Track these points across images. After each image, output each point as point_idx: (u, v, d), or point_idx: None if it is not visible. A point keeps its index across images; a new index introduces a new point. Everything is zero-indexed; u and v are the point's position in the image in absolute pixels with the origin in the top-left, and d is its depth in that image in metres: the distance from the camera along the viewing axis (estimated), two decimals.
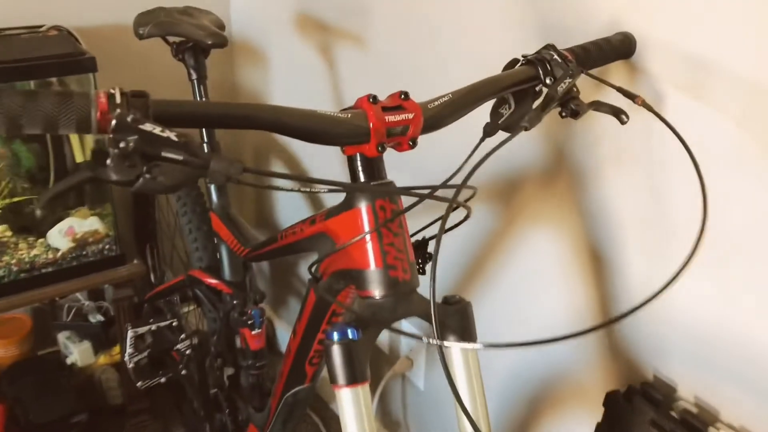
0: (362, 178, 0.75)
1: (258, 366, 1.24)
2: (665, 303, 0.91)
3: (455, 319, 0.77)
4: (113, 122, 0.53)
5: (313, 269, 0.84)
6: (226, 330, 1.29)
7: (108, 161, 0.54)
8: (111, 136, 0.53)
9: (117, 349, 1.70)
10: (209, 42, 1.14)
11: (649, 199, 0.91)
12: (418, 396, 1.51)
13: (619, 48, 0.85)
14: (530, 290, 1.14)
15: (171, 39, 1.26)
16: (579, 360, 1.08)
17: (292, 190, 0.64)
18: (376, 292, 0.73)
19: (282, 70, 1.71)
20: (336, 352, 0.69)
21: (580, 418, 1.09)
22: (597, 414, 0.96)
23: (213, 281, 1.30)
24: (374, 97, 0.69)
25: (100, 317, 1.76)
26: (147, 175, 0.55)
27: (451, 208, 0.67)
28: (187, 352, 1.21)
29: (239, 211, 2.02)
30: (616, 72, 0.89)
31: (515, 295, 1.17)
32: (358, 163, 0.74)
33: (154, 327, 1.17)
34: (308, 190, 0.66)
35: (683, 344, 0.92)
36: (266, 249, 1.05)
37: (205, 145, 1.28)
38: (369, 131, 0.67)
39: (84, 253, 1.47)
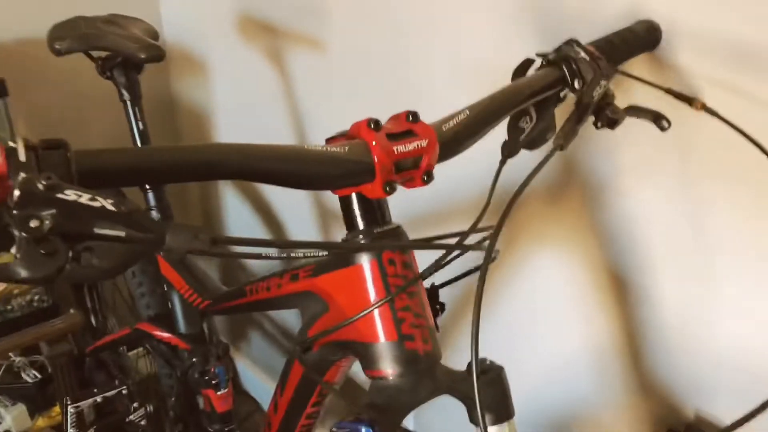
0: (361, 225, 0.59)
1: (227, 431, 1.07)
2: (702, 332, 0.81)
3: (489, 392, 0.61)
4: (16, 193, 0.36)
5: (299, 338, 0.67)
6: (186, 391, 1.10)
7: (13, 249, 0.37)
8: (15, 213, 0.36)
9: (57, 410, 1.49)
10: (142, 56, 0.96)
11: (683, 213, 0.79)
12: None
13: (643, 38, 0.73)
14: (540, 318, 1.02)
15: (96, 54, 1.07)
16: (605, 398, 0.96)
17: (276, 258, 0.47)
18: (390, 371, 0.57)
19: (227, 81, 1.55)
20: None
21: None
22: None
23: (165, 335, 1.11)
24: (376, 122, 0.53)
25: (35, 374, 1.54)
26: (74, 263, 0.38)
27: (490, 260, 0.51)
28: (142, 423, 1.02)
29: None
30: (637, 67, 0.76)
31: (523, 323, 1.05)
32: (355, 206, 0.58)
33: (99, 398, 0.98)
34: (300, 255, 0.49)
35: (728, 379, 0.81)
36: (231, 303, 0.87)
37: (151, 202, 1.09)
38: (373, 168, 0.51)
39: (9, 307, 1.27)
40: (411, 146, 0.53)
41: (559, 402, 1.03)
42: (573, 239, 0.93)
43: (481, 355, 0.65)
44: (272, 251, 0.47)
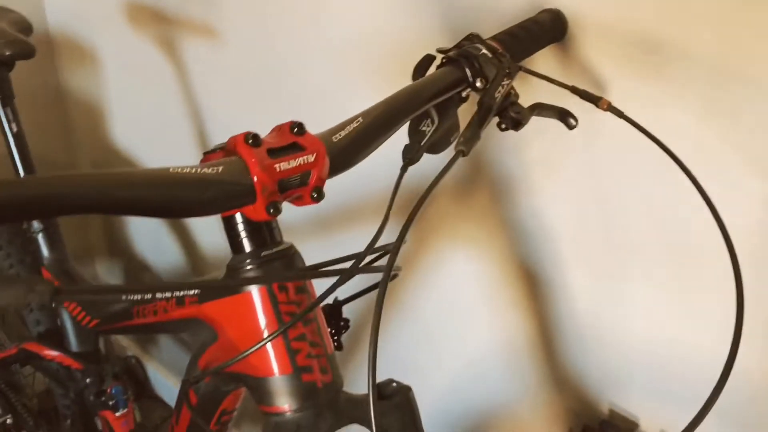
0: (247, 248, 0.53)
1: None
2: (614, 325, 0.80)
3: (396, 416, 0.57)
4: None
5: (188, 370, 0.61)
6: (83, 413, 1.02)
7: None
8: None
9: None
10: (8, 53, 0.86)
11: (591, 208, 0.77)
12: None
13: (549, 30, 0.70)
14: (452, 319, 0.99)
15: None
16: (521, 397, 0.94)
17: (140, 302, 0.41)
18: (287, 406, 0.52)
19: (118, 71, 1.45)
20: None
21: None
22: None
23: (54, 354, 1.02)
24: (254, 137, 0.46)
25: None
26: None
27: (388, 278, 0.46)
28: None
29: (83, 241, 1.74)
30: (543, 60, 0.73)
31: (434, 326, 1.02)
32: (240, 228, 0.52)
33: None
34: (167, 296, 0.42)
35: (641, 372, 0.80)
36: (119, 325, 0.80)
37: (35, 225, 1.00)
38: (253, 189, 0.45)
39: None
40: (296, 162, 0.47)
41: (473, 403, 1.00)
42: (484, 237, 0.90)
43: (387, 364, 0.61)
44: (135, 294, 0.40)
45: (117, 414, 0.97)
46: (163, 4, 1.21)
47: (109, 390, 0.96)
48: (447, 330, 0.99)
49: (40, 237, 1.02)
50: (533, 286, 0.87)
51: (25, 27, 0.98)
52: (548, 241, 0.82)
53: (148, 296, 0.41)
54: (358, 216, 1.02)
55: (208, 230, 1.39)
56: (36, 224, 1.01)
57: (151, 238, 1.59)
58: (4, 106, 0.98)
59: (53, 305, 0.30)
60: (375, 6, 0.87)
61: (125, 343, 1.79)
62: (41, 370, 1.07)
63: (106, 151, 1.57)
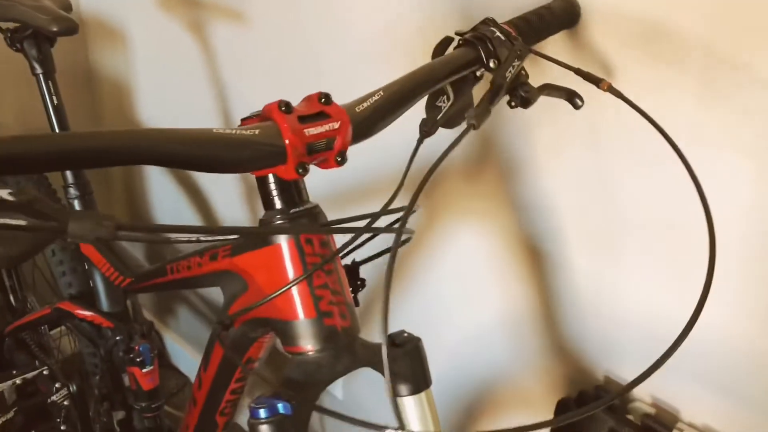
0: (278, 205, 0.59)
1: (154, 407, 1.06)
2: (612, 299, 0.85)
3: (406, 362, 0.63)
4: None
5: (220, 316, 0.67)
6: (111, 369, 1.09)
7: None
8: None
9: None
10: (54, 29, 0.92)
11: (593, 187, 0.82)
12: (336, 407, 1.38)
13: (562, 17, 0.74)
14: (461, 290, 1.04)
15: (4, 25, 1.02)
16: (522, 364, 0.99)
17: (186, 242, 0.47)
18: (309, 346, 0.58)
19: (146, 52, 1.50)
20: None
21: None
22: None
23: (87, 313, 1.09)
24: (287, 105, 0.52)
25: None
26: None
27: (400, 241, 0.52)
28: (65, 403, 1.00)
29: (106, 209, 1.80)
30: (554, 46, 0.78)
31: (444, 295, 1.07)
32: (272, 187, 0.58)
33: (18, 380, 0.96)
34: (210, 239, 0.49)
35: (634, 341, 0.85)
36: (152, 282, 0.86)
37: (69, 179, 1.05)
38: (285, 150, 0.51)
39: None
40: (323, 128, 0.53)
41: (477, 368, 1.05)
42: (491, 213, 0.94)
43: (400, 326, 0.67)
44: (182, 236, 0.47)
45: (144, 370, 1.03)
46: None
47: (137, 347, 1.02)
48: (455, 299, 1.04)
49: (76, 203, 1.09)
50: (536, 260, 0.91)
51: (66, 5, 1.04)
52: (552, 219, 0.87)
53: (195, 238, 0.46)
54: (373, 192, 1.07)
55: (229, 204, 1.45)
56: (72, 191, 1.08)
57: (171, 209, 1.66)
58: (46, 79, 1.04)
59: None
60: None
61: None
62: (73, 329, 1.14)
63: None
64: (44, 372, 0.99)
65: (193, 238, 0.48)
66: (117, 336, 1.06)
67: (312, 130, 0.52)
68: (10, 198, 0.37)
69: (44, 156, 0.40)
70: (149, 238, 0.46)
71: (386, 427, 0.45)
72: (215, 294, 1.57)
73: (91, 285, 1.10)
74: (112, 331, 1.07)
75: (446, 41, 0.68)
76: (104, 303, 1.09)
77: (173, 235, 0.45)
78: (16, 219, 0.37)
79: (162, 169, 1.62)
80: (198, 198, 1.53)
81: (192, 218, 1.56)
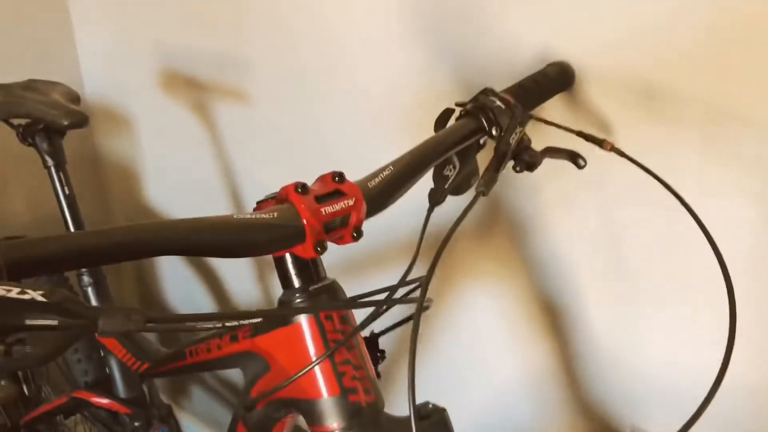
0: (297, 284, 0.60)
1: None
2: (632, 352, 0.84)
3: None
4: None
5: (242, 398, 0.67)
6: None
7: None
8: None
9: None
10: (65, 123, 0.94)
11: (603, 243, 0.83)
12: None
13: (557, 80, 0.77)
14: (480, 352, 1.04)
15: (15, 121, 1.04)
16: (547, 424, 0.98)
17: (210, 329, 0.48)
18: (335, 424, 0.58)
19: (153, 138, 1.53)
20: None
21: None
22: None
23: (104, 401, 1.08)
24: (303, 186, 0.54)
25: None
26: (6, 356, 0.38)
27: (421, 309, 0.53)
28: None
29: (116, 292, 1.80)
30: (552, 108, 0.80)
31: (463, 359, 1.06)
32: (290, 266, 0.59)
33: None
34: (236, 324, 0.49)
35: (657, 395, 0.84)
36: (171, 366, 0.86)
37: (85, 278, 1.07)
38: (303, 231, 0.52)
39: None
40: (338, 206, 0.54)
41: (502, 424, 1.04)
42: (504, 274, 0.95)
43: (423, 397, 0.67)
44: (207, 324, 0.47)
45: None
46: (197, 71, 1.29)
47: None
48: (474, 363, 1.04)
49: (90, 290, 1.09)
50: (553, 317, 0.91)
51: (75, 98, 1.07)
52: (565, 275, 0.87)
53: (220, 325, 0.47)
54: (386, 260, 1.08)
55: (238, 282, 1.45)
56: (86, 278, 1.08)
57: (182, 290, 1.66)
58: (57, 171, 1.06)
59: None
60: (398, 69, 0.95)
61: None
62: (90, 417, 1.13)
63: (140, 213, 1.65)
64: None
65: (219, 325, 0.48)
66: (135, 422, 1.06)
67: (328, 209, 0.54)
68: (42, 299, 0.38)
69: (70, 254, 0.41)
70: (176, 328, 0.46)
71: None
72: (232, 374, 1.56)
73: (107, 371, 1.10)
74: (130, 417, 1.07)
75: (447, 112, 0.70)
76: (121, 389, 1.08)
77: (199, 324, 0.45)
78: (48, 319, 0.38)
79: (173, 258, 1.63)
80: (210, 278, 1.53)
81: (204, 299, 1.57)
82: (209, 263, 1.52)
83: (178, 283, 1.67)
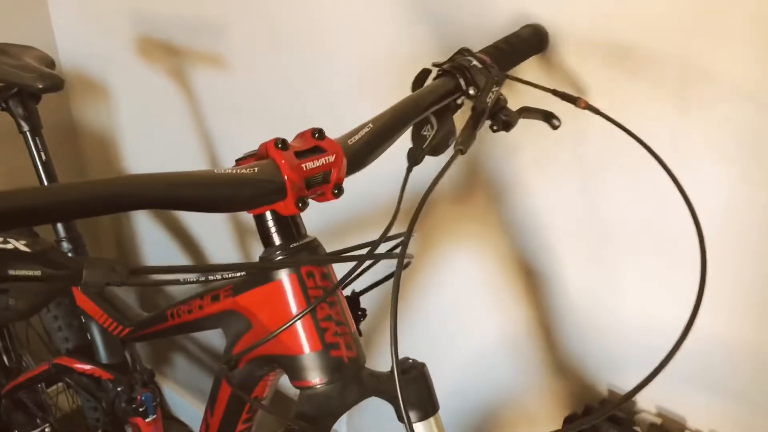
0: (277, 241, 0.60)
1: None
2: (609, 312, 0.86)
3: (413, 389, 0.64)
4: None
5: (225, 357, 0.67)
6: (114, 422, 1.08)
7: None
8: None
9: None
10: (40, 86, 0.93)
11: (580, 202, 0.84)
12: None
13: (531, 42, 0.77)
14: (459, 314, 1.05)
15: None
16: (526, 384, 1.00)
17: (195, 282, 0.48)
18: (317, 379, 0.59)
19: (130, 104, 1.51)
20: None
21: None
22: None
23: (86, 367, 1.08)
24: (283, 142, 0.54)
25: None
26: None
27: (402, 267, 0.53)
28: None
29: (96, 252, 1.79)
30: (527, 70, 0.80)
31: (442, 320, 1.07)
32: (270, 224, 0.59)
33: None
34: (217, 277, 0.50)
35: (634, 353, 0.86)
36: (153, 329, 0.86)
37: (61, 233, 1.06)
38: (284, 186, 0.52)
39: None
40: (319, 162, 0.54)
41: (481, 392, 1.06)
42: (483, 236, 0.96)
43: (402, 354, 0.68)
44: (191, 276, 0.48)
45: (147, 420, 1.02)
46: (173, 36, 1.28)
47: (139, 397, 1.01)
48: (454, 323, 1.05)
49: (63, 245, 1.09)
50: (532, 279, 0.92)
51: (49, 62, 1.05)
52: (543, 237, 0.89)
53: (204, 278, 0.47)
54: (365, 224, 1.09)
55: (219, 247, 1.45)
56: (65, 244, 1.08)
57: (161, 256, 1.65)
58: (33, 136, 1.05)
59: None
60: (375, 30, 0.95)
61: None
62: (72, 384, 1.13)
63: None
64: (46, 429, 0.98)
65: (202, 278, 0.48)
66: (118, 387, 1.05)
67: (309, 165, 0.54)
68: (26, 249, 0.38)
69: (52, 206, 0.41)
70: (160, 281, 0.46)
71: None
72: (213, 339, 1.57)
73: (89, 338, 1.10)
74: (112, 382, 1.07)
75: (425, 73, 0.70)
76: (103, 355, 1.08)
77: (182, 275, 0.46)
78: (31, 269, 0.38)
79: (151, 217, 1.62)
80: (189, 243, 1.53)
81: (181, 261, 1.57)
82: (188, 228, 1.51)
83: (158, 251, 1.66)
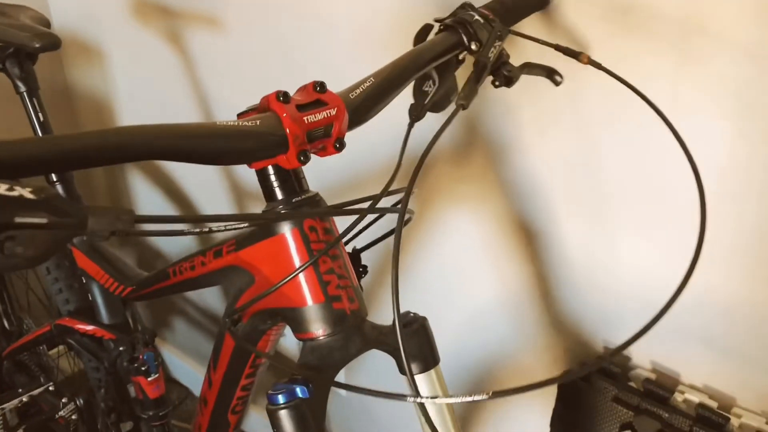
0: (280, 195, 0.60)
1: (161, 415, 1.06)
2: (606, 270, 0.86)
3: (414, 341, 0.65)
4: None
5: (228, 311, 0.68)
6: (116, 381, 1.09)
7: None
8: None
9: None
10: (37, 45, 0.92)
11: (579, 161, 0.84)
12: (339, 402, 1.39)
13: None
14: (458, 272, 1.06)
15: None
16: (523, 342, 1.00)
17: (198, 233, 0.48)
18: (320, 331, 0.60)
19: (125, 66, 1.50)
20: (286, 419, 0.55)
21: (531, 406, 1.02)
22: (550, 399, 0.89)
23: (88, 327, 1.09)
24: (285, 95, 0.54)
25: None
26: None
27: (403, 221, 0.54)
28: (73, 417, 1.01)
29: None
30: (531, 27, 0.80)
31: (442, 278, 1.08)
32: (273, 178, 0.59)
33: (25, 398, 0.96)
34: (222, 228, 0.50)
35: (630, 310, 0.86)
36: (155, 287, 0.87)
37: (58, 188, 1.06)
38: (286, 139, 0.52)
39: None
40: (321, 115, 0.54)
41: (479, 349, 1.07)
42: (482, 195, 0.96)
43: (403, 309, 0.69)
44: (194, 226, 0.48)
45: (149, 379, 1.04)
46: None
47: (141, 356, 1.03)
48: (452, 281, 1.06)
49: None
50: (530, 238, 0.93)
51: (44, 21, 1.04)
52: (541, 196, 0.89)
53: (207, 228, 0.48)
54: (365, 182, 1.09)
55: (215, 205, 1.45)
56: (61, 192, 1.07)
57: (156, 213, 1.65)
58: (30, 96, 1.04)
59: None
60: None
61: None
62: (74, 344, 1.14)
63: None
64: (50, 388, 0.99)
65: (206, 228, 0.49)
66: (120, 347, 1.07)
67: (311, 118, 0.54)
68: (32, 196, 0.38)
69: (55, 156, 0.41)
70: (165, 231, 0.47)
71: (406, 396, 0.47)
72: (212, 301, 1.58)
73: (90, 299, 1.10)
74: (114, 342, 1.08)
75: (426, 28, 0.70)
76: (104, 315, 1.09)
77: (186, 227, 0.46)
78: (37, 217, 0.38)
79: (146, 174, 1.61)
80: (184, 201, 1.53)
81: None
82: (183, 186, 1.51)
83: (152, 206, 1.65)
